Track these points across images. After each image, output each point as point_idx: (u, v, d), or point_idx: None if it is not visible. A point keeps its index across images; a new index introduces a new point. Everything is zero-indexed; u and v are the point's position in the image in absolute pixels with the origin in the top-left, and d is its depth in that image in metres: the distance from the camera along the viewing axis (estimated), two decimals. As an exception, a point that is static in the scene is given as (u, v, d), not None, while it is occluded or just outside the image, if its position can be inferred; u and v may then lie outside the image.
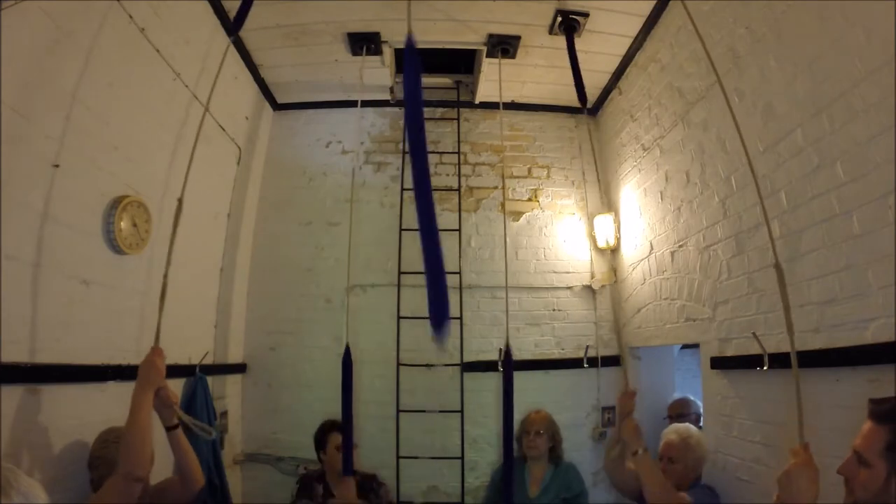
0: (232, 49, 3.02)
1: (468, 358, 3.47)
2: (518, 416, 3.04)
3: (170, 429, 1.84)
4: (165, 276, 1.80)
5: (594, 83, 3.56)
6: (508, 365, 2.24)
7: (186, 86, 2.57)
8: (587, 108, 3.85)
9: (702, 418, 2.89)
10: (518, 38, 3.09)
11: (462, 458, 3.30)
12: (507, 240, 3.46)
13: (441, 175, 3.76)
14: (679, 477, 2.21)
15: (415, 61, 1.08)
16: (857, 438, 1.16)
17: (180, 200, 1.86)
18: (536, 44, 3.16)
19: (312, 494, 2.72)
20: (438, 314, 1.15)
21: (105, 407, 2.02)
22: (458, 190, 3.67)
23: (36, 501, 1.03)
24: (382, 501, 2.82)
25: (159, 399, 1.73)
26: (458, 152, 3.74)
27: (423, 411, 3.33)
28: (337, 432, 2.71)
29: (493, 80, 3.34)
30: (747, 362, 2.13)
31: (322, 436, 2.79)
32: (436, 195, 3.70)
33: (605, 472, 2.41)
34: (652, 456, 2.27)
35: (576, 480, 2.92)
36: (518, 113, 3.81)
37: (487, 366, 3.45)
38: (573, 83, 2.54)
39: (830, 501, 1.50)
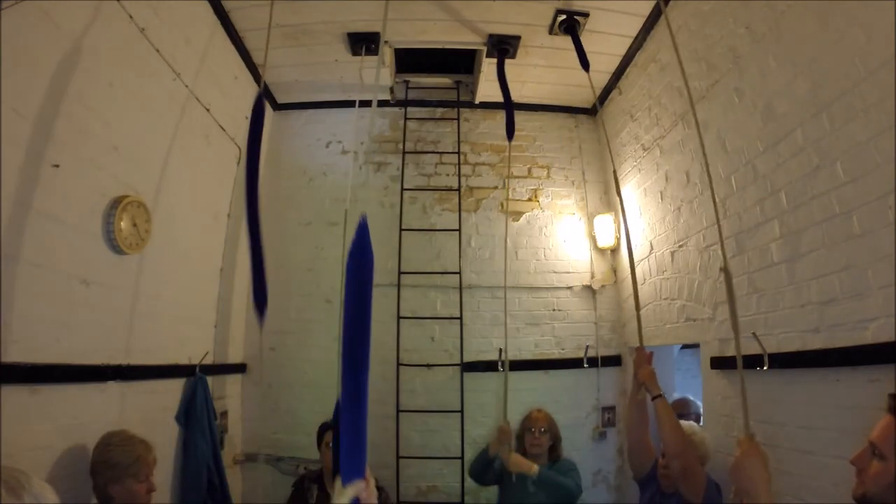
0: (232, 49, 3.03)
1: (468, 358, 3.47)
2: (518, 416, 3.04)
3: None
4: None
5: (594, 83, 3.55)
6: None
7: (186, 86, 2.57)
8: (586, 108, 3.87)
9: (702, 418, 2.89)
10: (518, 38, 3.09)
11: (462, 458, 3.30)
12: (510, 238, 3.46)
13: (441, 175, 3.76)
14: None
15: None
16: (874, 431, 1.17)
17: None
18: (536, 44, 3.16)
19: (305, 498, 2.72)
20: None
21: (105, 407, 2.02)
22: (458, 190, 3.67)
23: (47, 503, 1.02)
24: None
25: None
26: (458, 152, 3.74)
27: (424, 411, 3.33)
28: (331, 430, 2.71)
29: (493, 80, 3.34)
30: (747, 362, 2.12)
31: (319, 434, 2.80)
32: (436, 195, 3.71)
33: (625, 431, 2.49)
34: (654, 455, 2.27)
35: (567, 471, 2.88)
36: (518, 113, 3.77)
37: (487, 366, 3.45)
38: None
39: (831, 501, 1.51)
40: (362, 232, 0.96)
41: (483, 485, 2.75)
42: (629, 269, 3.41)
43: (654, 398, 2.10)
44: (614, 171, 3.13)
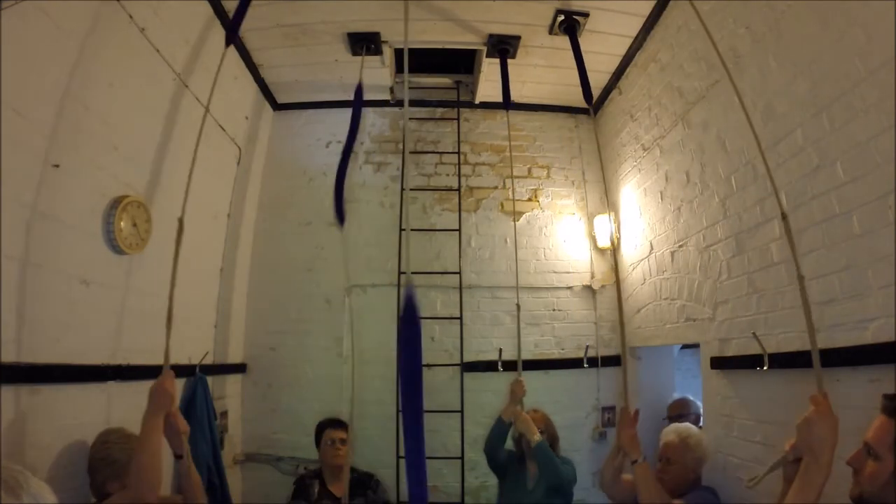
0: (232, 49, 3.02)
1: (468, 358, 3.47)
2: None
3: (178, 456, 1.78)
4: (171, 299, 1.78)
5: (594, 83, 3.54)
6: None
7: (186, 86, 2.57)
8: (586, 108, 3.86)
9: (702, 418, 2.89)
10: (518, 38, 3.09)
11: (462, 458, 3.30)
12: (509, 238, 3.46)
13: (441, 175, 3.76)
14: (678, 477, 2.20)
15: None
16: (869, 431, 1.18)
17: (181, 220, 1.84)
18: (536, 44, 3.16)
19: (308, 494, 2.73)
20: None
21: (105, 407, 2.02)
22: (458, 190, 3.67)
23: (45, 502, 1.02)
24: (379, 500, 2.83)
25: (168, 425, 1.70)
26: (458, 152, 3.74)
27: (424, 411, 3.32)
28: (331, 428, 2.74)
29: (493, 80, 3.34)
30: (747, 362, 2.13)
31: (318, 432, 2.82)
32: (436, 195, 3.71)
33: (600, 483, 2.45)
34: (651, 457, 2.27)
35: (563, 464, 2.89)
36: (518, 113, 3.81)
37: (487, 366, 3.45)
38: (575, 83, 2.56)
39: (831, 501, 1.50)
40: (410, 301, 1.03)
41: (494, 466, 2.72)
42: (628, 270, 3.42)
43: (632, 462, 2.02)
44: (611, 200, 3.13)
